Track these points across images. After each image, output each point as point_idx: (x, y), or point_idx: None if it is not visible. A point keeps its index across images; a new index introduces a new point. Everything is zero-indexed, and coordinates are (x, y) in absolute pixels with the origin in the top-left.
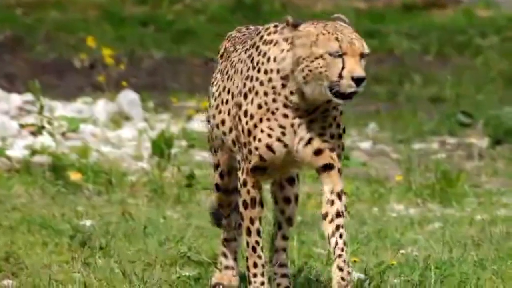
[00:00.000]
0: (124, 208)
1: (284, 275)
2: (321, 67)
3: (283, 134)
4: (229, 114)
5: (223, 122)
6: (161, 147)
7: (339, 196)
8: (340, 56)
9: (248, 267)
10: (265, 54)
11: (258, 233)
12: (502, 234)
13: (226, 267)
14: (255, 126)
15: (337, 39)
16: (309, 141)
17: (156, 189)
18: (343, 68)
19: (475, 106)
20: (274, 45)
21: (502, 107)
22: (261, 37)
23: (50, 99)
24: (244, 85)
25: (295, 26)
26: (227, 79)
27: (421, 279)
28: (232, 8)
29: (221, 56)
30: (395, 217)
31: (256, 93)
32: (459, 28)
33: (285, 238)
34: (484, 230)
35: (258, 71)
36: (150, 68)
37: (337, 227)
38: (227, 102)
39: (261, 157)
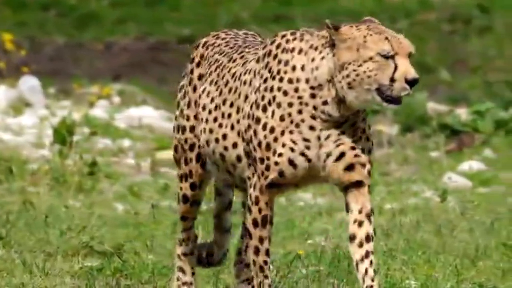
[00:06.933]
0: (24, 197)
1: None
2: (370, 70)
3: (307, 148)
4: (232, 128)
5: (224, 136)
6: (63, 134)
7: (368, 217)
8: (392, 57)
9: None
10: (287, 62)
11: (267, 252)
12: (412, 224)
13: (185, 283)
14: (275, 140)
15: (387, 38)
16: (340, 156)
17: (57, 178)
18: (395, 70)
19: None
20: (299, 53)
21: (412, 94)
22: (279, 45)
23: None
24: (263, 97)
25: (336, 29)
26: (229, 92)
27: (329, 269)
28: None
29: (198, 65)
30: (302, 207)
31: (278, 104)
32: (368, 13)
33: None
34: (394, 219)
35: (280, 80)
36: (51, 53)
37: (367, 254)
38: (229, 115)
39: (280, 173)
